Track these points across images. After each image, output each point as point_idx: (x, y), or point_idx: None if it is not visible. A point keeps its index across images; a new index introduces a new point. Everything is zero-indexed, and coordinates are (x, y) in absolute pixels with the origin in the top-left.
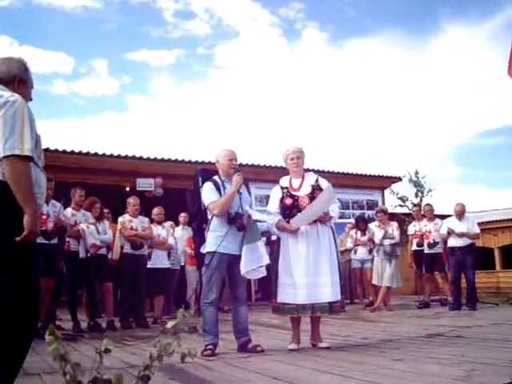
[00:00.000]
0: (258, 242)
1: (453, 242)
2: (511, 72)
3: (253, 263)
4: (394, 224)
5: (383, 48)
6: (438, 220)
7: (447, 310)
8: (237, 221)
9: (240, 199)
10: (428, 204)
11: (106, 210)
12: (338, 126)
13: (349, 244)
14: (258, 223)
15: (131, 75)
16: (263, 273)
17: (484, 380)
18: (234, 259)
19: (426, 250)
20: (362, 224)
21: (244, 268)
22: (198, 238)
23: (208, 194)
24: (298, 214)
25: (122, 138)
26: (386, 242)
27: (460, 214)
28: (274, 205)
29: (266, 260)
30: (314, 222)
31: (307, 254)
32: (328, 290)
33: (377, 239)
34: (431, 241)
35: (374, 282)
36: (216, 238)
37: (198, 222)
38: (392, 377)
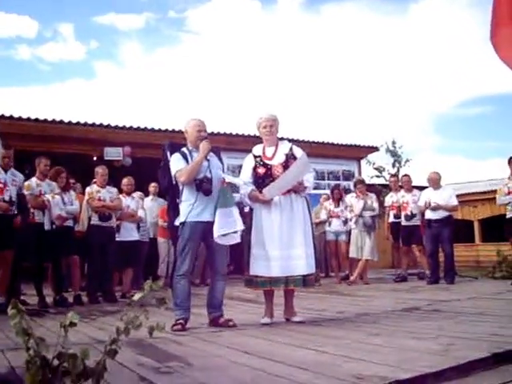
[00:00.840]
0: (232, 207)
1: (429, 215)
2: (494, 39)
3: (226, 227)
4: (373, 195)
5: (361, 13)
6: (416, 191)
7: (425, 283)
8: (203, 185)
9: (208, 165)
10: (406, 175)
11: (72, 181)
12: (315, 93)
13: (323, 216)
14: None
15: (99, 40)
16: (237, 239)
17: (461, 354)
18: (208, 227)
19: (404, 222)
20: (337, 193)
21: (216, 231)
22: (173, 212)
23: (175, 163)
24: (271, 183)
25: (90, 106)
26: (366, 213)
27: (434, 182)
28: (246, 174)
29: (240, 225)
30: (288, 192)
31: (280, 225)
32: (302, 263)
33: (356, 210)
34: (409, 213)
35: (353, 254)
36: (187, 208)
37: (171, 195)
38: (368, 351)
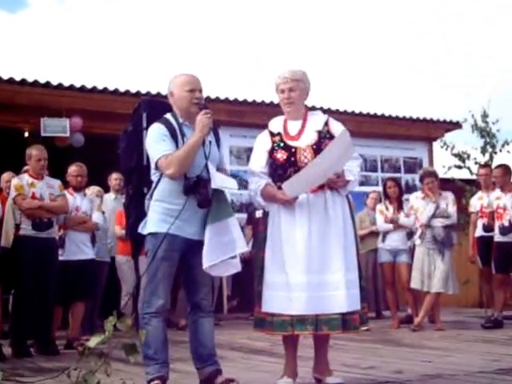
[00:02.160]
0: (228, 219)
1: None
2: None
3: (221, 252)
4: (450, 196)
5: None
6: None
7: None
8: (199, 191)
9: (205, 155)
10: (502, 165)
11: None
12: (364, 46)
13: (380, 224)
14: (230, 191)
15: None
16: (237, 267)
17: None
18: (193, 246)
19: (498, 238)
20: (395, 192)
21: (207, 260)
22: (135, 210)
23: (157, 141)
24: (295, 175)
25: (17, 53)
26: (437, 222)
27: None
28: (259, 161)
29: (242, 246)
30: (321, 188)
31: (309, 238)
32: (341, 294)
33: (423, 218)
34: (506, 223)
35: (415, 285)
36: (164, 213)
37: (136, 182)
38: None
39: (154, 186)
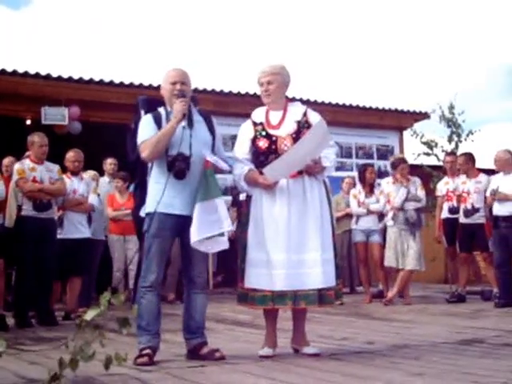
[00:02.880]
0: (216, 198)
1: (496, 209)
2: None
3: (208, 229)
4: (418, 180)
5: None
6: (482, 176)
7: (491, 306)
8: (175, 163)
9: (190, 136)
10: (466, 154)
11: None
12: (340, 40)
13: (354, 207)
14: (219, 175)
15: None
16: (224, 244)
17: None
18: (185, 223)
19: (463, 219)
20: (369, 176)
21: (195, 235)
22: (140, 196)
23: (142, 129)
24: (274, 160)
25: (20, 47)
26: (409, 205)
27: (504, 164)
28: (242, 148)
29: (228, 225)
30: (300, 173)
31: (288, 219)
32: (317, 272)
33: (396, 201)
34: (469, 206)
35: (390, 263)
36: (156, 193)
37: (140, 172)
38: None
39: (149, 171)
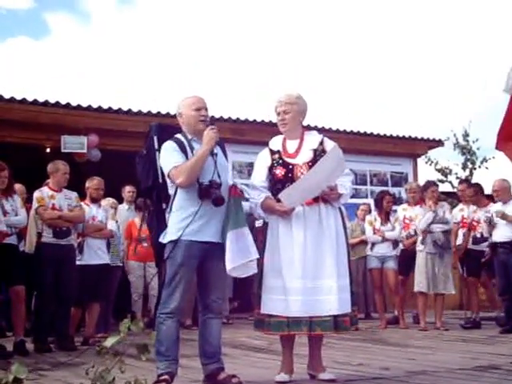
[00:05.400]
0: (244, 228)
1: (495, 236)
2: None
3: (241, 256)
4: (446, 204)
5: None
6: (491, 206)
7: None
8: (212, 191)
9: (215, 164)
10: (474, 185)
11: (18, 185)
12: (354, 70)
13: (369, 234)
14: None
15: None
16: (253, 269)
17: None
18: (211, 250)
19: (470, 246)
20: (387, 203)
21: (231, 263)
22: (157, 223)
23: (169, 156)
24: (291, 185)
25: (40, 77)
26: (437, 227)
27: (501, 193)
28: (260, 176)
29: (255, 253)
30: (316, 200)
31: (304, 246)
32: (333, 299)
33: (421, 224)
34: (478, 234)
35: (422, 288)
36: (181, 221)
37: (156, 199)
38: None
39: (171, 198)
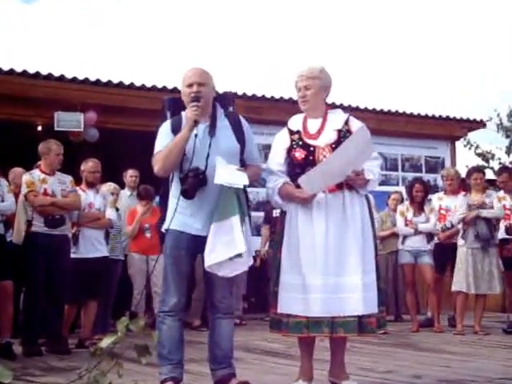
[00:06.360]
0: (232, 217)
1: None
2: None
3: (222, 252)
4: (494, 193)
5: None
6: None
7: None
8: (186, 180)
9: (209, 147)
10: (508, 169)
11: (19, 169)
12: (385, 41)
13: (400, 227)
14: (250, 189)
15: None
16: (242, 267)
17: None
18: (200, 241)
19: (501, 235)
20: (418, 193)
21: (211, 258)
22: (163, 209)
23: (158, 139)
24: (312, 169)
25: (31, 45)
26: (480, 220)
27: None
28: (277, 159)
29: (241, 247)
30: (339, 187)
31: (326, 239)
32: (357, 297)
33: (454, 219)
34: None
35: (461, 287)
36: (173, 209)
37: (165, 184)
38: None
39: (170, 183)
